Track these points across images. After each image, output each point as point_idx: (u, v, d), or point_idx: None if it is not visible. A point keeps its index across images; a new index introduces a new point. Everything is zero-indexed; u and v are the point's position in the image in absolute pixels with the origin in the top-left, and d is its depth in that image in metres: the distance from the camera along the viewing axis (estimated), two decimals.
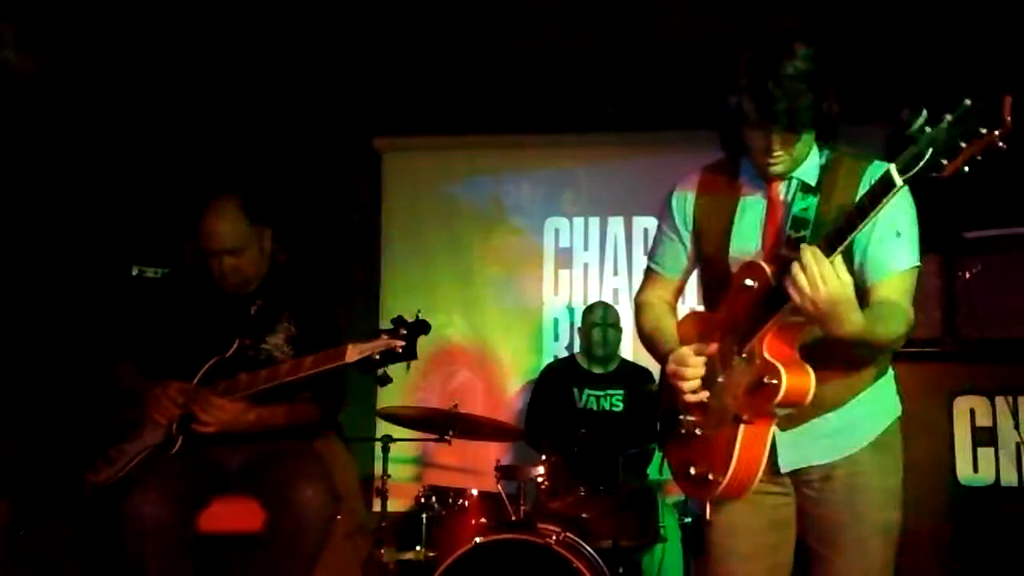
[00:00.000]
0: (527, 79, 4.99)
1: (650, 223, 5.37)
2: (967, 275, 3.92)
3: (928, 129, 1.69)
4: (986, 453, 4.00)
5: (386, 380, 2.83)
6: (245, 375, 2.95)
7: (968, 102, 1.64)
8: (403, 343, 2.67)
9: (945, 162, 1.67)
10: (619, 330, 4.62)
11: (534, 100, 5.15)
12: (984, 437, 4.00)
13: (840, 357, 2.07)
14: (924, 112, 1.70)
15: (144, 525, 2.74)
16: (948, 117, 1.66)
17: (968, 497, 3.96)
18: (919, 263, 2.08)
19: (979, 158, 1.65)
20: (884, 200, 1.77)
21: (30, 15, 3.97)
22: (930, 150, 1.68)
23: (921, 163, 1.70)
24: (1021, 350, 3.94)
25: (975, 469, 4.00)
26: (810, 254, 1.83)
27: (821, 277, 1.81)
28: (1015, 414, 3.97)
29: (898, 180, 1.74)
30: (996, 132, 1.61)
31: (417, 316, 2.74)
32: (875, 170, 2.06)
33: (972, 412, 4.01)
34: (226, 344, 3.04)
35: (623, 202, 5.46)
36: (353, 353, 2.70)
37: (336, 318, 3.23)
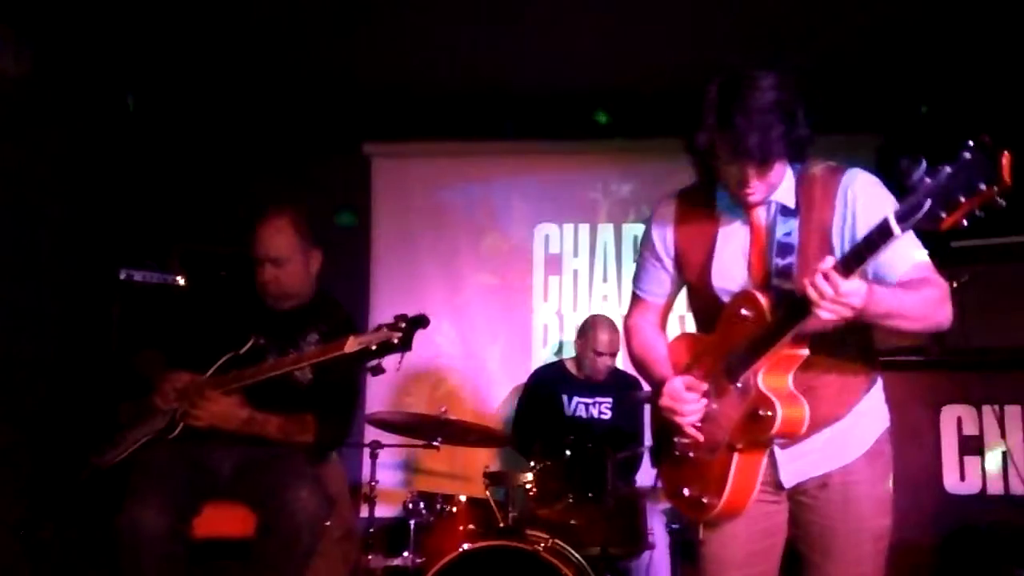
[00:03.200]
0: (518, 85, 5.00)
1: (639, 231, 5.37)
2: (955, 285, 3.93)
3: (927, 180, 1.67)
4: (973, 462, 4.01)
5: (379, 370, 2.87)
6: (251, 367, 2.98)
7: (968, 155, 1.63)
8: (400, 335, 2.70)
9: (944, 215, 1.65)
10: (616, 355, 4.59)
11: (525, 106, 5.15)
12: (971, 446, 4.02)
13: (834, 375, 2.10)
14: (923, 162, 1.69)
15: (140, 538, 2.74)
16: (947, 169, 1.65)
17: (955, 506, 3.97)
18: (927, 257, 2.08)
19: (979, 213, 1.64)
20: (881, 247, 1.76)
21: (18, 16, 3.95)
22: (928, 202, 1.66)
23: (919, 214, 1.68)
24: (1008, 359, 3.96)
25: (962, 478, 4.01)
26: (821, 279, 1.80)
27: (844, 295, 1.79)
28: (1001, 423, 3.98)
29: (897, 230, 1.73)
30: (995, 188, 1.60)
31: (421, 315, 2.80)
32: (848, 179, 2.07)
33: (959, 421, 4.03)
34: (242, 341, 3.07)
35: (613, 209, 5.47)
36: (353, 344, 2.74)
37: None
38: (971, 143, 1.63)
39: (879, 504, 2.16)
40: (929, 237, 2.09)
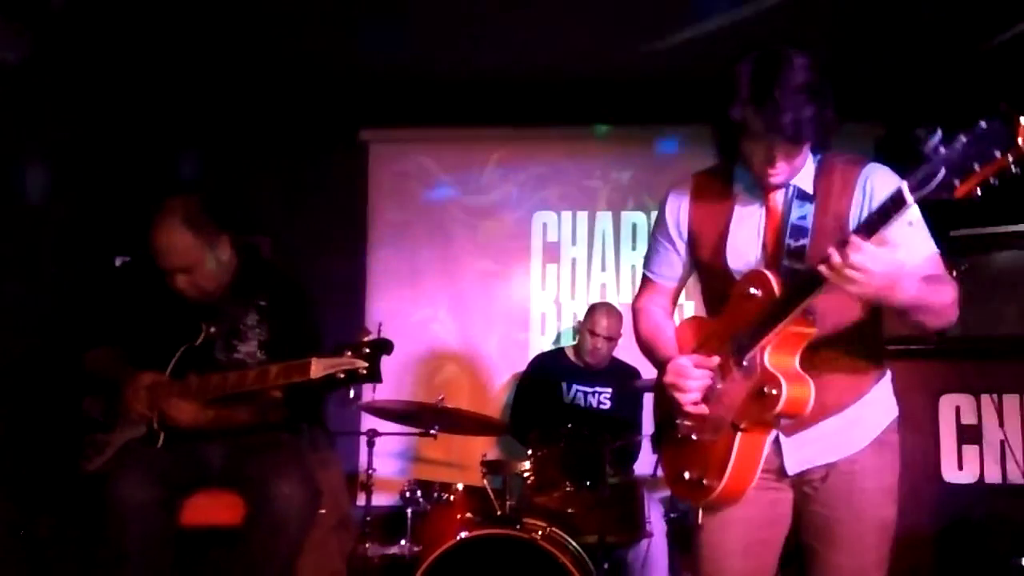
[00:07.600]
0: (516, 71, 4.97)
1: (638, 218, 5.38)
2: (954, 274, 3.91)
3: (942, 149, 1.67)
4: (971, 451, 4.01)
5: (353, 400, 2.77)
6: (217, 377, 2.88)
7: (984, 124, 1.63)
8: (366, 364, 2.61)
9: (958, 183, 1.65)
10: (616, 341, 4.58)
11: (523, 93, 5.13)
12: (969, 435, 4.02)
13: (843, 363, 2.09)
14: (939, 131, 1.69)
15: (127, 508, 2.73)
16: (963, 138, 1.65)
17: (952, 494, 3.97)
18: (938, 249, 2.09)
19: (993, 182, 1.64)
20: (894, 216, 1.76)
21: (12, 4, 3.93)
22: (943, 170, 1.66)
23: (934, 183, 1.68)
24: (1007, 348, 3.96)
25: (960, 467, 4.01)
26: (836, 252, 1.80)
27: (870, 259, 1.77)
28: (1000, 412, 3.98)
29: (910, 198, 1.72)
30: (1010, 155, 1.60)
31: (379, 333, 2.67)
32: (869, 171, 2.08)
33: (957, 410, 4.03)
34: (194, 332, 3.00)
35: (612, 197, 5.45)
36: (318, 369, 2.61)
37: (315, 325, 3.12)
38: (986, 111, 1.64)
39: (885, 494, 2.15)
40: (930, 227, 2.09)
